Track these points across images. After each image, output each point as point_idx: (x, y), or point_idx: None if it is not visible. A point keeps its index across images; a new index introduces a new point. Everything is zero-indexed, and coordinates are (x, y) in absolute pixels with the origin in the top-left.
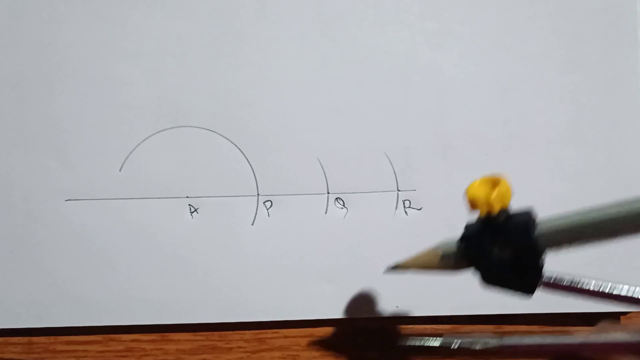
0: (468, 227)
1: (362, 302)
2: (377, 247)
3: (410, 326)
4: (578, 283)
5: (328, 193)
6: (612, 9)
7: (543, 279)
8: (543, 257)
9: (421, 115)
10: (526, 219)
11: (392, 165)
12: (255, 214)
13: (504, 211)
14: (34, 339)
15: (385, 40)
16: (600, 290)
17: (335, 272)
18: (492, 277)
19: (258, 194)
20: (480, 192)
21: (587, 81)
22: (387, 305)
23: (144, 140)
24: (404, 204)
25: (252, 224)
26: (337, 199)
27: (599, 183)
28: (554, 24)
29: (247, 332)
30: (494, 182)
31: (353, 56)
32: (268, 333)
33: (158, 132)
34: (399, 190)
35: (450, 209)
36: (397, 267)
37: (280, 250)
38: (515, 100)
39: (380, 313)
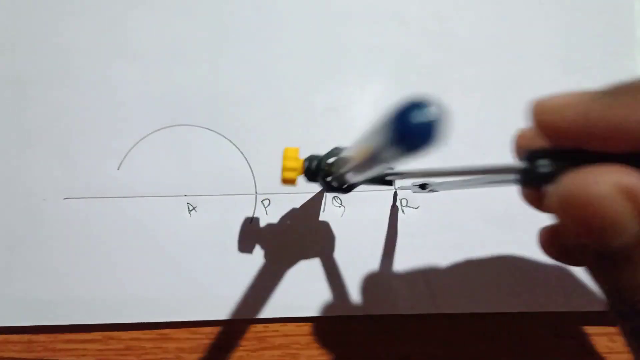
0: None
1: (361, 300)
2: (375, 246)
3: (411, 324)
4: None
5: (326, 192)
6: (609, 9)
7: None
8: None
9: None
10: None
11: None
12: (254, 212)
13: (309, 163)
14: (34, 337)
15: (384, 40)
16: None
17: (334, 270)
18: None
19: (256, 193)
20: (285, 176)
21: (585, 81)
22: (386, 302)
23: (142, 139)
24: (401, 202)
25: (251, 222)
26: (334, 197)
27: None
28: (552, 24)
29: (246, 330)
30: (287, 162)
31: (352, 56)
32: (268, 331)
33: (156, 130)
34: (396, 189)
35: (446, 208)
36: None
37: (279, 248)
38: (513, 100)
39: (380, 310)
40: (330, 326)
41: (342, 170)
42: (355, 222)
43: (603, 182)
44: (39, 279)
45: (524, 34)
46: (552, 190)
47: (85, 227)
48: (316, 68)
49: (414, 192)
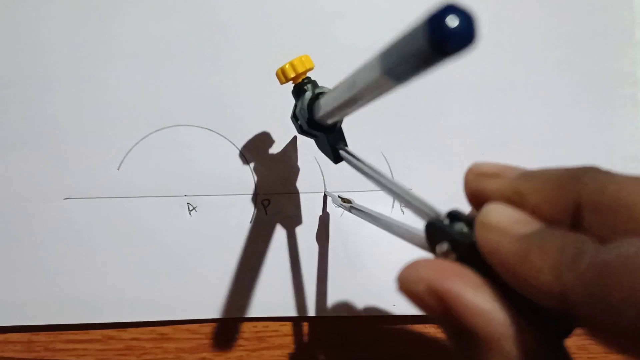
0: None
1: (361, 300)
2: (375, 246)
3: (409, 325)
4: (364, 164)
5: (325, 192)
6: (608, 9)
7: (341, 152)
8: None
9: (418, 114)
10: (315, 90)
11: (388, 165)
12: (253, 212)
13: (308, 80)
14: (34, 337)
15: (383, 39)
16: (375, 177)
17: (334, 270)
18: (318, 145)
19: (256, 193)
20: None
21: (584, 81)
22: (386, 303)
23: (142, 139)
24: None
25: (250, 222)
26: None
27: None
28: (551, 24)
29: (246, 330)
30: (294, 59)
31: (351, 55)
32: (268, 331)
33: (156, 130)
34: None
35: (446, 207)
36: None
37: (279, 248)
38: (512, 100)
39: (379, 311)
40: (331, 326)
41: (326, 101)
42: (355, 222)
43: (418, 280)
44: (38, 279)
45: (524, 34)
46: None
47: (85, 227)
48: (315, 67)
49: (335, 203)
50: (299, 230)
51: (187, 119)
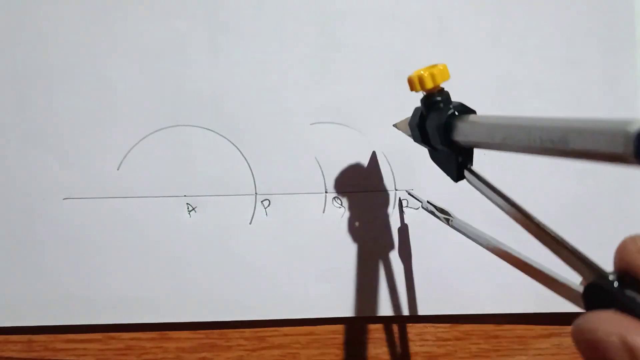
0: (416, 109)
1: (361, 301)
2: (375, 246)
3: (410, 325)
4: (493, 187)
5: (326, 192)
6: (609, 8)
7: (466, 171)
8: (462, 147)
9: None
10: (450, 105)
11: (389, 165)
12: (253, 212)
13: (442, 92)
14: (34, 337)
15: (384, 38)
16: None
17: (334, 271)
18: (433, 156)
19: (256, 193)
20: (416, 73)
21: (585, 80)
22: (386, 303)
23: (142, 139)
24: (401, 203)
25: (250, 223)
26: (334, 198)
27: (598, 181)
28: (552, 23)
29: (246, 330)
30: (432, 67)
31: (352, 55)
32: (268, 331)
33: (156, 131)
34: (396, 190)
35: (447, 208)
36: (395, 125)
37: (278, 249)
38: (513, 99)
39: (379, 312)
40: (330, 326)
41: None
42: (355, 223)
43: (612, 333)
44: (38, 279)
45: (524, 34)
46: (575, 321)
47: (84, 227)
48: (315, 68)
49: (427, 209)
50: (298, 230)
51: (187, 119)
